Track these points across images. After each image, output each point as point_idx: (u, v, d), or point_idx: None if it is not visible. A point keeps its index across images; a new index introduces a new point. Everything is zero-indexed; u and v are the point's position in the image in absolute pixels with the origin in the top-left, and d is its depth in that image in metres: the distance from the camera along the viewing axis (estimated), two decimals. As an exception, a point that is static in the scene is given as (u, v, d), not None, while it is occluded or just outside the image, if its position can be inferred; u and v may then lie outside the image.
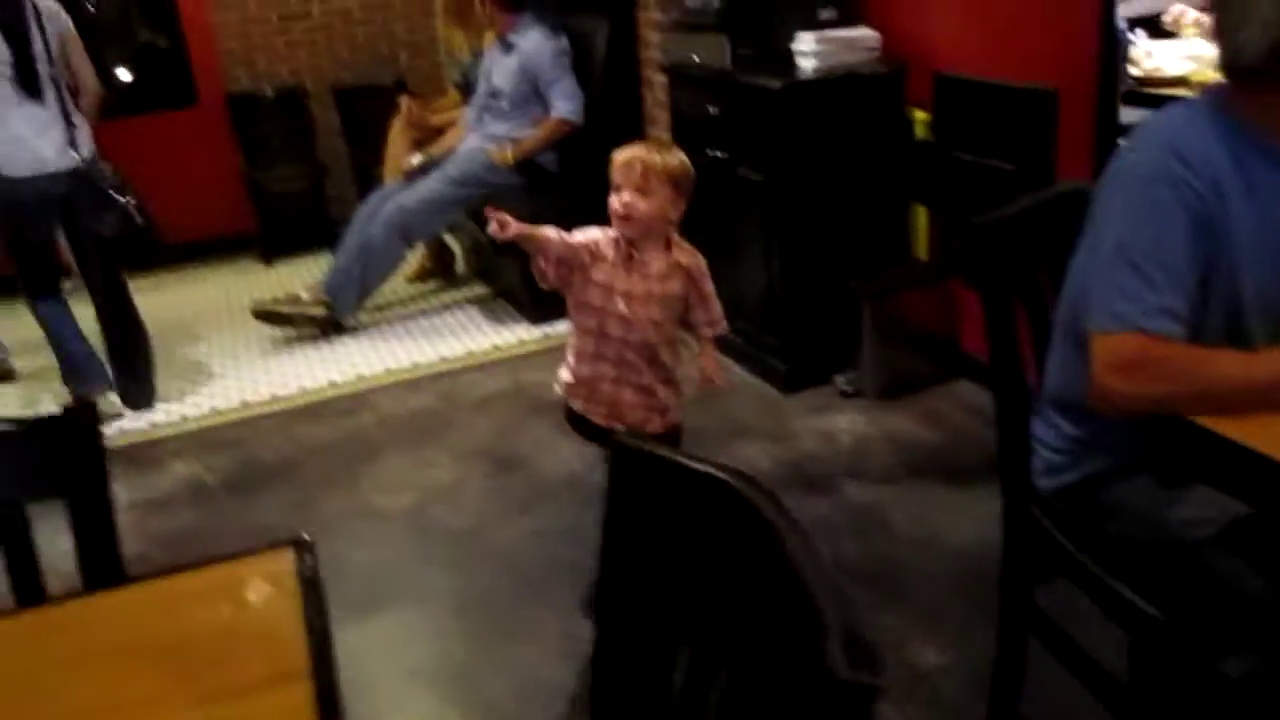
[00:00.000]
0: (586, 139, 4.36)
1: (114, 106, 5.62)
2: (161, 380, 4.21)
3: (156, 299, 5.39)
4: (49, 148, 3.56)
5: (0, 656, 1.10)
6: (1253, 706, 1.46)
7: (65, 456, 1.33)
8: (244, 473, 3.37)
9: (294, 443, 3.55)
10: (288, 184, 5.90)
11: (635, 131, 4.36)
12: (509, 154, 4.39)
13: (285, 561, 1.21)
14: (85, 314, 3.94)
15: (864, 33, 3.44)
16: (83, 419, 1.33)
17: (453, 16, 5.06)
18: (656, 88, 4.19)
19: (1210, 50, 2.14)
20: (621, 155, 2.29)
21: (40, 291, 3.83)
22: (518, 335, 4.33)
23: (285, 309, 4.47)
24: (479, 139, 4.53)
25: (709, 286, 2.43)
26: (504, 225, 2.28)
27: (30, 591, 1.36)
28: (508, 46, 4.45)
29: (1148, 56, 2.95)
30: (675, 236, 2.38)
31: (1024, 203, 1.80)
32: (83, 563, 1.36)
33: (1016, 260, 1.77)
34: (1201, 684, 1.51)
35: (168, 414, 3.89)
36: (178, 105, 5.87)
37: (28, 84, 3.50)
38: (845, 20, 3.50)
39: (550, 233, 2.32)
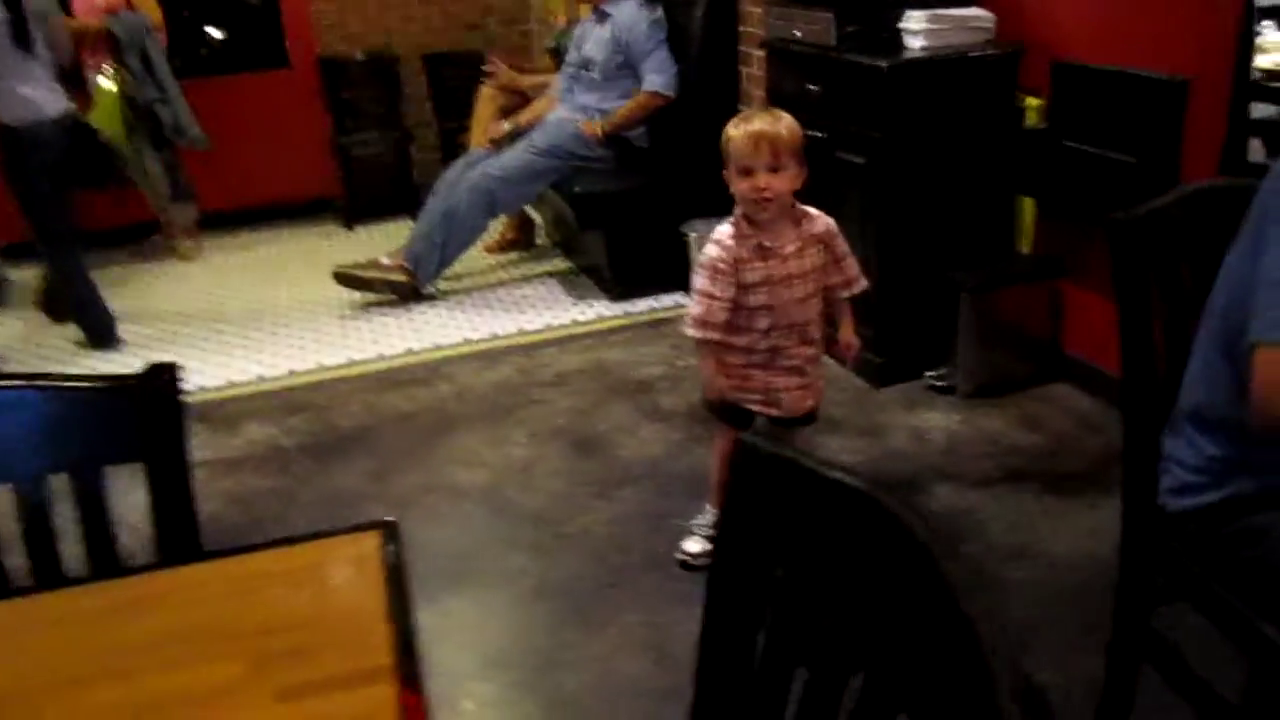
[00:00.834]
0: (679, 115, 4.26)
1: (205, 64, 5.67)
2: (237, 340, 4.22)
3: (239, 257, 5.44)
4: (46, 98, 3.90)
5: (75, 631, 1.04)
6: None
7: (144, 418, 1.27)
8: (320, 438, 3.33)
9: (370, 410, 3.51)
10: (374, 149, 5.89)
11: (730, 109, 4.23)
12: (599, 127, 4.30)
13: (370, 545, 1.13)
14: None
15: (978, 13, 3.28)
16: (163, 380, 1.27)
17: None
18: (755, 64, 4.06)
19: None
20: (743, 132, 2.14)
21: (56, 241, 4.07)
22: (598, 312, 4.25)
23: (365, 273, 4.44)
24: (568, 109, 4.45)
25: (843, 246, 2.32)
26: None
27: (104, 558, 1.30)
28: (602, 16, 4.35)
29: (1277, 47, 2.76)
30: (799, 206, 2.25)
31: (1171, 197, 1.66)
32: (158, 529, 1.30)
33: (1158, 260, 1.63)
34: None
35: (245, 373, 3.89)
36: (270, 66, 5.88)
37: (21, 41, 3.81)
38: (959, -1, 3.33)
39: (720, 325, 2.24)
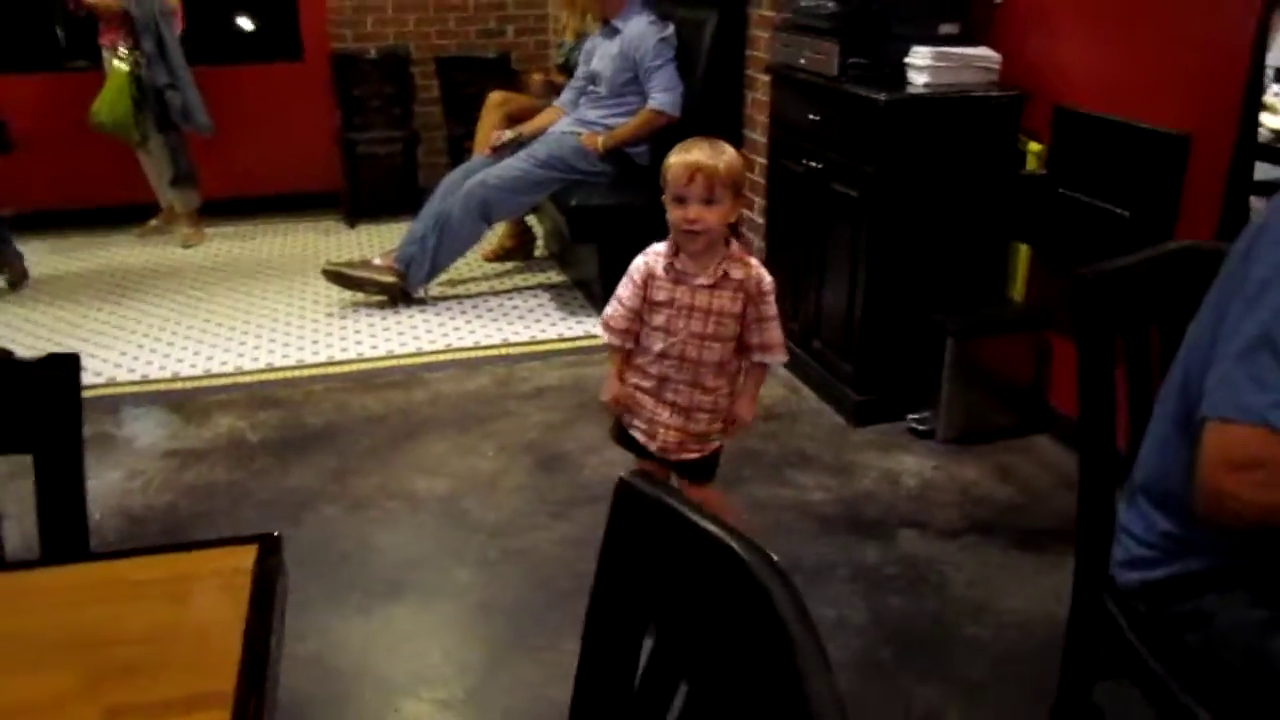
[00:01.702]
0: (682, 134, 4.18)
1: (219, 52, 5.66)
2: (223, 329, 4.19)
3: (235, 246, 5.41)
4: None
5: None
6: None
7: (37, 408, 1.21)
8: (287, 434, 3.29)
9: (341, 410, 3.46)
10: (381, 147, 5.87)
11: (734, 132, 4.18)
12: (600, 141, 4.25)
13: (246, 560, 1.07)
14: None
15: (984, 53, 3.22)
16: (61, 371, 1.21)
17: (563, -4, 4.96)
18: (760, 89, 4.01)
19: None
20: (681, 160, 2.09)
21: None
22: (585, 328, 4.19)
23: (356, 273, 4.40)
24: (572, 122, 4.40)
25: (771, 309, 2.19)
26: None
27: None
28: (612, 31, 4.31)
29: (1288, 109, 2.69)
30: (736, 247, 2.19)
31: (1139, 256, 1.60)
32: (43, 526, 1.24)
33: (1124, 321, 1.57)
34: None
35: (224, 365, 3.85)
36: (283, 58, 5.86)
37: None
38: (967, 38, 3.27)
39: (622, 337, 2.24)
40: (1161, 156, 2.69)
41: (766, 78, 3.81)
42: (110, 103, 4.98)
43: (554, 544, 2.67)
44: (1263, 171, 2.59)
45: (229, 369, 3.82)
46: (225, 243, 5.49)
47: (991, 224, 3.26)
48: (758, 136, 4.05)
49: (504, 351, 3.98)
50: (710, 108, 4.19)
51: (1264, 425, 1.19)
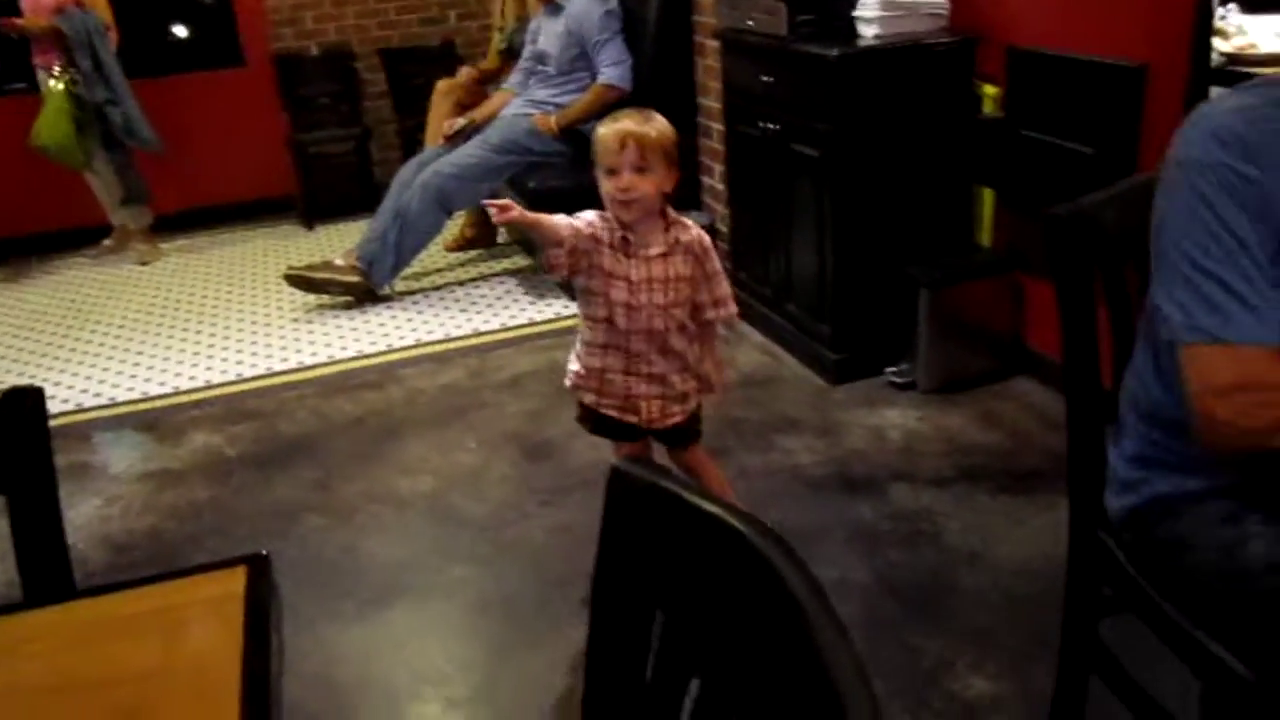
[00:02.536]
0: (636, 106, 4.15)
1: (158, 64, 5.54)
2: (188, 345, 4.13)
3: (193, 259, 5.33)
4: None
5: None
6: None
7: (5, 447, 1.17)
8: (264, 446, 3.24)
9: (318, 416, 3.42)
10: (332, 146, 5.79)
11: (687, 101, 4.14)
12: (553, 121, 4.20)
13: (235, 584, 1.04)
14: None
15: None
16: (25, 406, 1.17)
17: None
18: (709, 55, 3.97)
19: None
20: (609, 130, 2.05)
21: None
22: (555, 310, 4.16)
23: (318, 275, 4.34)
24: (523, 104, 4.35)
25: (715, 263, 2.20)
26: (504, 208, 2.07)
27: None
28: (555, 9, 4.26)
29: (1239, 31, 2.68)
30: (672, 212, 2.16)
31: (1110, 191, 1.58)
32: (23, 567, 1.20)
33: (1100, 257, 1.56)
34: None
35: (193, 380, 3.78)
36: (224, 65, 5.75)
37: None
38: (913, -14, 3.25)
39: (560, 219, 2.09)
40: (1119, 90, 2.68)
41: (716, 43, 3.77)
42: (50, 124, 4.86)
43: (545, 532, 2.65)
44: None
45: (198, 384, 3.76)
46: (183, 256, 5.40)
47: (954, 172, 3.25)
48: (712, 103, 4.01)
49: (475, 342, 3.94)
50: (661, 78, 4.15)
51: (1229, 345, 1.19)
